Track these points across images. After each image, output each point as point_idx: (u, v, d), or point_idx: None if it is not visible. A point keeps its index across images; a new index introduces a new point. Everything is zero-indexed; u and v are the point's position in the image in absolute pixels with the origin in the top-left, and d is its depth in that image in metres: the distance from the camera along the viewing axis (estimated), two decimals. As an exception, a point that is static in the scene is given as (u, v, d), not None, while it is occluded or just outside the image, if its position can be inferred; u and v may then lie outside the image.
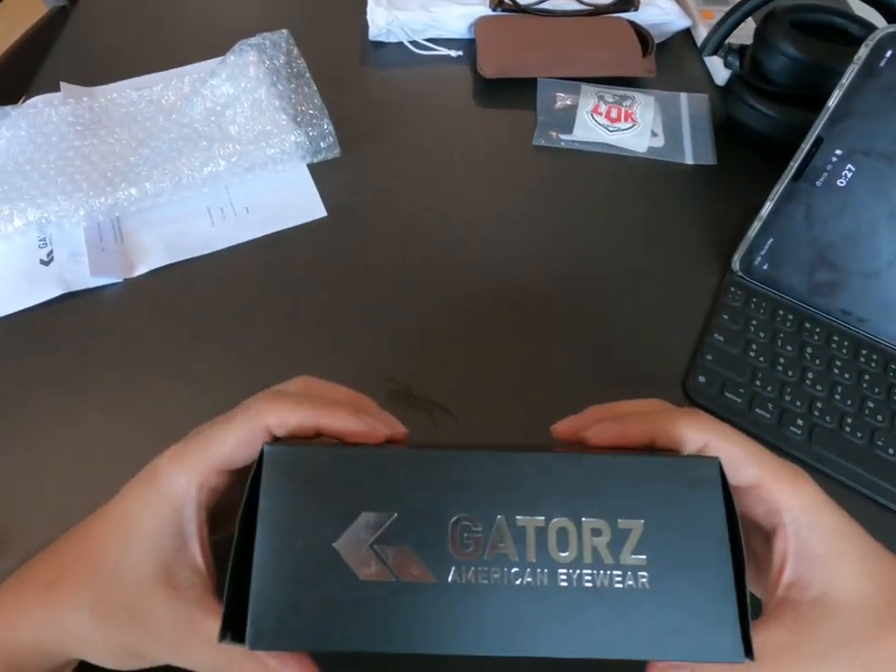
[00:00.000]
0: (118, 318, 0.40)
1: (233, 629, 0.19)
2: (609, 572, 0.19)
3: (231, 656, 0.20)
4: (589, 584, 0.19)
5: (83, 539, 0.22)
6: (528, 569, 0.19)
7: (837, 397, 0.38)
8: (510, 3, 0.57)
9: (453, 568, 0.19)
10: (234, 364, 0.38)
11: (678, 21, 0.58)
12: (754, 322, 0.41)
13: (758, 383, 0.38)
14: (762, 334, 0.41)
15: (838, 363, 0.39)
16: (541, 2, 0.57)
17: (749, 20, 0.50)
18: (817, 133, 0.39)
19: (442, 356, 0.39)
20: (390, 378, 0.38)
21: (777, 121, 0.48)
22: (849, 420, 0.37)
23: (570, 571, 0.19)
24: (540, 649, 0.19)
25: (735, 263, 0.43)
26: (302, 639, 0.19)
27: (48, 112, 0.46)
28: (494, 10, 0.57)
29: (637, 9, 0.57)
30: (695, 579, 0.19)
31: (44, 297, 0.39)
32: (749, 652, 0.19)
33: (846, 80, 0.38)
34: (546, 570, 0.19)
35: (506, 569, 0.19)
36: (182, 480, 0.21)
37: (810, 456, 0.36)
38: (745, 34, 0.53)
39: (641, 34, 0.56)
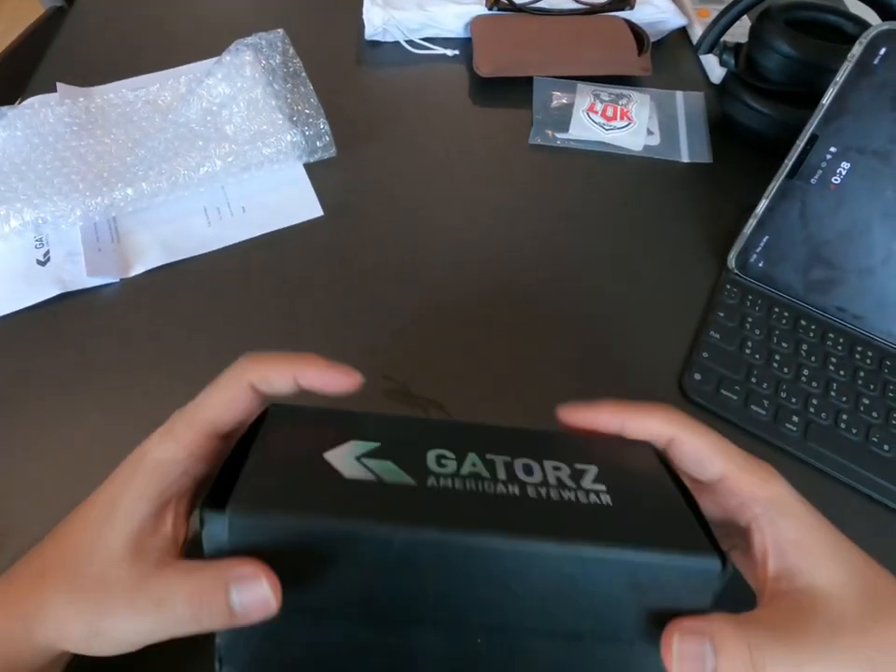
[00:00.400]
0: (115, 318, 0.40)
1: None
2: (573, 491, 0.21)
3: (170, 582, 0.20)
4: (556, 498, 0.20)
5: (68, 526, 0.23)
6: (500, 484, 0.21)
7: (833, 394, 0.38)
8: (506, 2, 0.57)
9: (431, 477, 0.20)
10: (230, 362, 0.38)
11: (673, 20, 0.58)
12: (750, 319, 0.41)
13: (753, 380, 0.39)
14: (757, 331, 0.41)
15: (833, 360, 0.40)
16: (537, 0, 0.57)
17: (745, 18, 0.50)
18: (811, 130, 0.39)
19: (439, 354, 0.39)
20: (387, 376, 0.38)
21: (772, 119, 0.48)
22: (845, 417, 0.37)
23: (539, 488, 0.21)
24: (510, 544, 0.19)
25: (731, 261, 0.43)
26: (279, 509, 0.19)
27: (44, 112, 0.46)
28: (490, 9, 0.57)
29: (632, 8, 0.57)
30: (652, 506, 0.21)
31: (41, 297, 0.39)
32: (722, 559, 0.19)
33: (840, 78, 0.38)
34: (516, 485, 0.21)
35: (479, 482, 0.21)
36: (171, 446, 0.22)
37: (806, 453, 0.36)
38: (740, 32, 0.53)
39: (637, 32, 0.56)
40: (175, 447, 0.22)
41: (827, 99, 0.39)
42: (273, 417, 0.22)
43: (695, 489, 0.23)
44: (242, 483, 0.19)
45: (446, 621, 0.20)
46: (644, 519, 0.20)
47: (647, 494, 0.22)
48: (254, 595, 0.18)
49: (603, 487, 0.21)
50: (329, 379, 0.22)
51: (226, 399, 0.22)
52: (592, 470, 0.22)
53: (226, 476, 0.20)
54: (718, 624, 0.19)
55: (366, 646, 0.20)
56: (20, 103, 0.49)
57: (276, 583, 0.18)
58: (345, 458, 0.21)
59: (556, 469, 0.21)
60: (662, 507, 0.21)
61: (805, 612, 0.20)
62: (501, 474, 0.21)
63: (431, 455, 0.21)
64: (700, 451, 0.23)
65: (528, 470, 0.21)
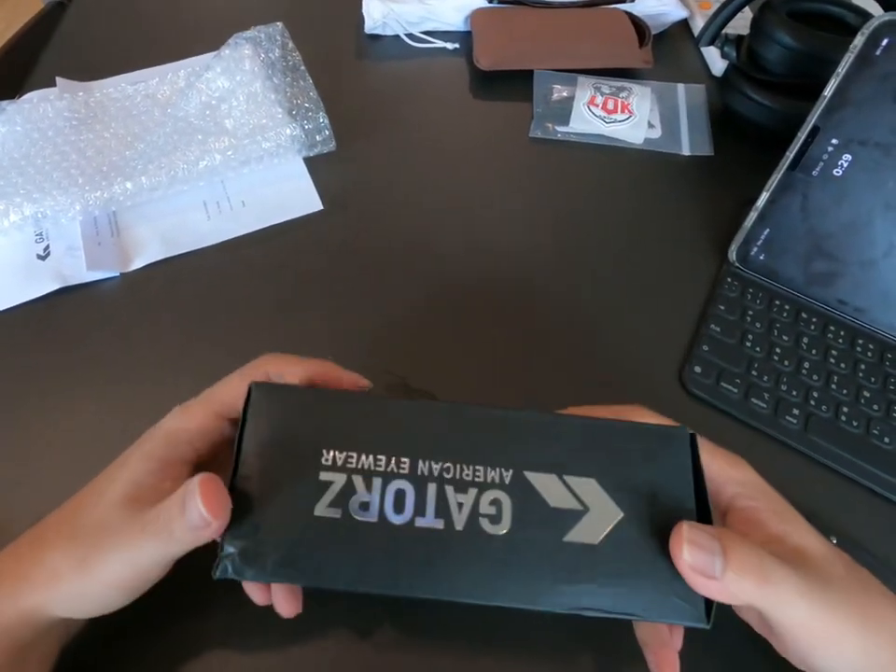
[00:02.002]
0: (115, 312, 0.40)
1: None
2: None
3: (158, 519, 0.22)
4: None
5: (76, 495, 0.24)
6: (465, 537, 0.21)
7: (833, 386, 0.38)
8: (506, -6, 0.57)
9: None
10: (232, 356, 0.38)
11: (674, 12, 0.58)
12: (750, 312, 0.41)
13: (754, 373, 0.38)
14: (758, 324, 0.40)
15: (834, 353, 0.39)
16: (538, -7, 0.57)
17: (746, 9, 0.49)
18: (813, 122, 0.39)
19: (439, 347, 0.39)
20: (387, 370, 0.38)
21: (773, 111, 0.47)
22: (845, 409, 0.37)
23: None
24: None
25: (732, 254, 0.43)
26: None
27: (43, 107, 0.46)
28: (490, 2, 0.57)
29: (633, 0, 0.57)
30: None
31: (41, 291, 0.39)
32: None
33: (841, 69, 0.38)
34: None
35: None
36: (183, 418, 0.24)
37: (806, 446, 0.36)
38: (742, 24, 0.53)
39: (638, 25, 0.56)
40: (186, 419, 0.24)
41: (829, 90, 0.38)
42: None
43: None
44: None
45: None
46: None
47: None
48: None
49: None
50: (344, 381, 0.25)
51: (240, 385, 0.24)
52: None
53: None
54: (730, 534, 0.21)
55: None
56: (19, 97, 0.49)
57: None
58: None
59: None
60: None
61: (801, 560, 0.21)
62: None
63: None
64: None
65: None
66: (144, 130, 0.46)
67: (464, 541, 0.21)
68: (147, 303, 0.40)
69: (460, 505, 0.21)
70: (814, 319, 0.41)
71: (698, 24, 0.59)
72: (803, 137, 0.40)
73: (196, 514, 0.20)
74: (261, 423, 0.23)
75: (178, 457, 0.24)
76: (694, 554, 0.20)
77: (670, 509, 0.22)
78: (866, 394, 0.38)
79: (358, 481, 0.22)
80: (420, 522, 0.21)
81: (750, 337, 0.40)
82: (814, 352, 0.39)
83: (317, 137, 0.47)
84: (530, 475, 0.22)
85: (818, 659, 0.21)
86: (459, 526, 0.21)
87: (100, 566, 0.22)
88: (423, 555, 0.21)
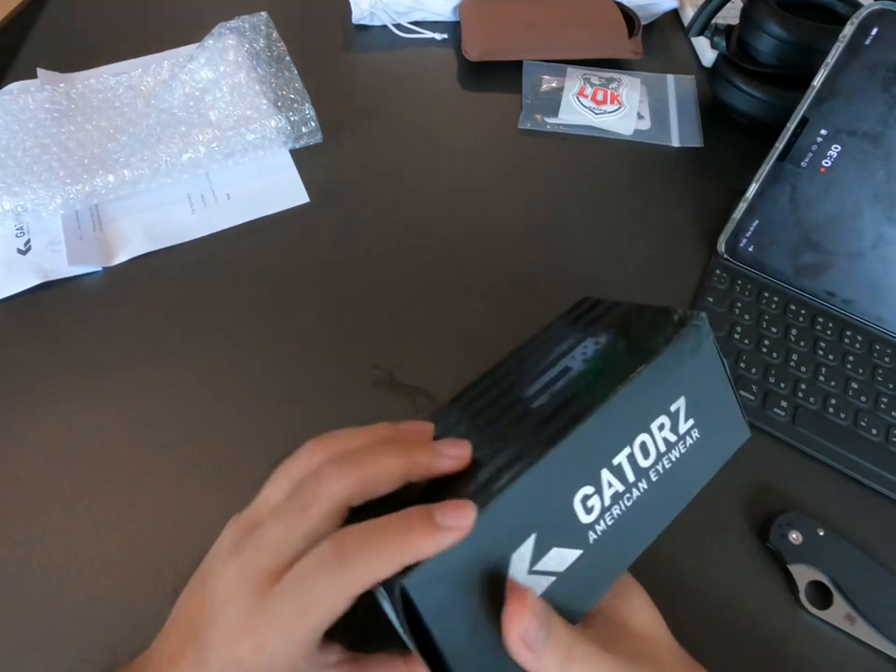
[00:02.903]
0: (97, 307, 0.39)
1: None
2: (676, 447, 0.24)
3: None
4: (669, 465, 0.24)
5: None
6: (634, 489, 0.23)
7: (821, 378, 0.38)
8: (494, -16, 0.56)
9: (589, 532, 0.22)
10: (216, 351, 0.38)
11: (664, 2, 0.58)
12: (739, 304, 0.41)
13: (742, 365, 0.38)
14: (746, 316, 0.40)
15: (823, 344, 0.39)
16: (527, -17, 0.56)
17: (737, 0, 0.49)
18: (802, 112, 0.39)
19: (426, 341, 0.39)
20: (374, 365, 0.37)
21: (763, 102, 0.47)
22: (833, 401, 0.37)
23: (657, 467, 0.23)
24: (662, 522, 0.23)
25: (721, 245, 0.43)
26: None
27: (24, 99, 0.45)
28: (478, -8, 0.56)
29: (623, -10, 0.56)
30: (717, 408, 0.25)
31: (22, 286, 0.39)
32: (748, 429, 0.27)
33: (831, 59, 0.38)
34: (643, 479, 0.23)
35: (621, 503, 0.22)
36: (291, 648, 0.20)
37: (794, 438, 0.36)
38: (732, 14, 0.52)
39: (628, 15, 0.55)
40: (293, 647, 0.20)
41: (818, 81, 0.38)
42: (428, 611, 0.19)
43: None
44: None
45: None
46: (715, 439, 0.25)
47: (714, 405, 0.25)
48: None
49: (692, 423, 0.24)
50: (442, 546, 0.19)
51: (334, 609, 0.20)
52: (682, 407, 0.24)
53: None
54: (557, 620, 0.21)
55: None
56: (-1, 89, 0.48)
57: None
58: (523, 580, 0.20)
59: (661, 428, 0.23)
60: (722, 411, 0.26)
61: (617, 636, 0.23)
62: (630, 476, 0.23)
63: (577, 504, 0.21)
64: None
65: (645, 452, 0.23)
66: (126, 122, 0.45)
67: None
68: (130, 298, 0.40)
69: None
70: (802, 311, 0.41)
71: (688, 14, 0.58)
72: (792, 128, 0.39)
73: None
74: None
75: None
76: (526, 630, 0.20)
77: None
78: (854, 385, 0.38)
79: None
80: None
81: (739, 329, 0.40)
82: (802, 344, 0.39)
83: (303, 129, 0.46)
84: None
85: None
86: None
87: None
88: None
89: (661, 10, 0.58)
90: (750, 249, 0.42)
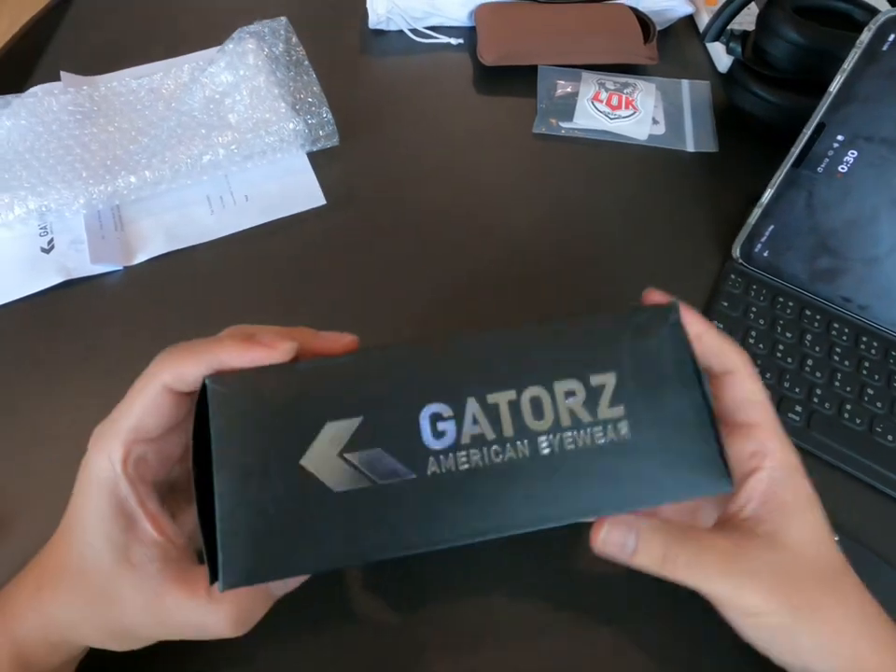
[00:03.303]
0: (118, 305, 0.40)
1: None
2: (588, 430, 0.19)
3: (207, 613, 0.21)
4: (571, 446, 0.19)
5: (54, 544, 0.23)
6: (507, 444, 0.18)
7: (837, 383, 0.38)
8: (510, -10, 0.56)
9: (430, 459, 0.18)
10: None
11: (680, 8, 0.58)
12: (754, 309, 0.41)
13: (757, 369, 0.38)
14: (761, 321, 0.40)
15: (838, 350, 0.39)
16: (542, -11, 0.57)
17: (752, 5, 0.49)
18: (818, 118, 0.39)
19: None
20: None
21: (779, 108, 0.47)
22: (849, 407, 0.37)
23: (550, 438, 0.19)
24: (531, 522, 0.18)
25: (736, 250, 0.43)
26: (282, 568, 0.18)
27: (48, 101, 0.46)
28: (494, -3, 0.57)
29: (638, -4, 0.57)
30: (672, 420, 0.20)
31: (45, 284, 0.39)
32: (731, 482, 0.20)
33: (847, 65, 0.38)
34: (525, 441, 0.18)
35: (485, 449, 0.18)
36: (104, 462, 0.21)
37: (809, 443, 0.36)
38: (748, 20, 0.53)
39: (643, 20, 0.56)
40: (108, 463, 0.21)
41: (835, 86, 0.38)
42: (217, 399, 0.19)
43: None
44: (226, 546, 0.18)
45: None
46: (661, 457, 0.19)
47: (666, 409, 0.19)
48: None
49: (621, 411, 0.19)
50: (253, 357, 0.20)
51: (143, 407, 0.21)
52: (609, 384, 0.19)
53: (204, 514, 0.18)
54: (647, 523, 0.22)
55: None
56: (24, 92, 0.49)
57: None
58: (326, 458, 0.18)
59: (570, 394, 0.19)
60: (681, 425, 0.19)
61: (752, 547, 0.22)
62: (507, 428, 0.18)
63: (425, 417, 0.18)
64: (750, 397, 0.24)
65: (538, 409, 0.19)
66: (148, 124, 0.46)
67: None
68: (150, 297, 0.40)
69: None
70: (818, 316, 0.41)
71: (703, 20, 0.59)
72: (808, 133, 0.39)
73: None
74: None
75: (139, 500, 0.21)
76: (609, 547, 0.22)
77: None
78: (870, 391, 0.38)
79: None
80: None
81: (753, 334, 0.40)
82: (817, 349, 0.39)
83: (321, 132, 0.47)
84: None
85: (763, 642, 0.23)
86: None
87: (131, 636, 0.22)
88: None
89: (676, 16, 0.59)
90: (766, 254, 0.42)
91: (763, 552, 0.22)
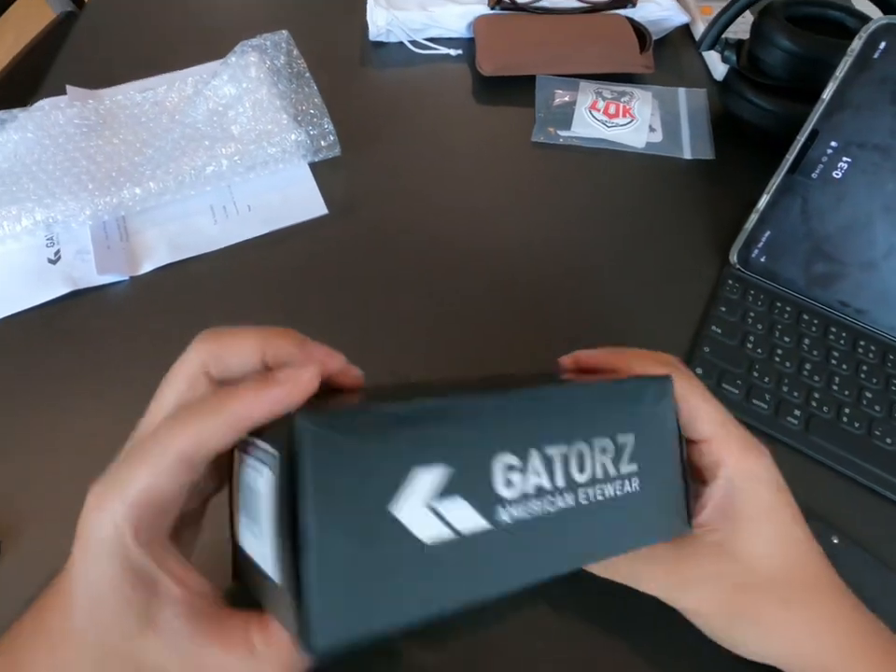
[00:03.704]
0: (124, 315, 0.40)
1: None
2: (612, 485, 0.22)
3: (251, 667, 0.19)
4: (601, 498, 0.22)
5: (57, 606, 0.20)
6: (559, 496, 0.21)
7: (835, 387, 0.38)
8: (508, 1, 0.57)
9: (501, 509, 0.19)
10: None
11: (676, 17, 0.59)
12: (752, 314, 0.41)
13: (755, 374, 0.39)
14: (759, 326, 0.41)
15: (836, 354, 0.40)
16: (540, 0, 0.58)
17: (747, 14, 0.50)
18: (812, 125, 0.40)
19: (443, 349, 0.40)
20: (393, 372, 0.38)
21: (774, 115, 0.48)
22: (847, 410, 0.37)
23: (587, 490, 0.21)
24: (576, 561, 0.21)
25: (733, 256, 0.43)
26: (376, 625, 0.17)
27: (54, 114, 0.47)
28: (492, 9, 0.57)
29: (634, 6, 0.58)
30: (661, 476, 0.24)
31: (51, 295, 0.40)
32: (691, 525, 0.24)
33: (840, 73, 0.38)
34: (572, 493, 0.21)
35: (544, 502, 0.20)
36: (107, 526, 0.19)
37: (807, 446, 0.36)
38: (742, 28, 0.53)
39: (639, 30, 0.56)
40: (112, 529, 0.18)
41: (827, 94, 0.39)
42: (308, 443, 0.17)
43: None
44: (317, 595, 0.16)
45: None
46: (653, 507, 0.23)
47: (662, 467, 0.24)
48: None
49: (636, 468, 0.23)
50: (273, 404, 0.19)
51: (154, 474, 0.19)
52: (630, 443, 0.23)
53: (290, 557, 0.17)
54: None
55: None
56: (30, 105, 0.50)
57: None
58: (413, 507, 0.17)
59: (603, 451, 0.22)
60: (666, 482, 0.24)
61: (696, 557, 0.24)
62: (559, 480, 0.20)
63: (497, 469, 0.19)
64: (695, 413, 0.25)
65: (581, 464, 0.21)
66: (152, 136, 0.47)
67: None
68: (155, 306, 0.41)
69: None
70: (815, 321, 0.41)
71: (699, 29, 0.59)
72: (802, 140, 0.40)
73: None
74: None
75: (158, 562, 0.19)
76: None
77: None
78: (868, 395, 0.38)
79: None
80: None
81: (751, 338, 0.40)
82: (815, 353, 0.40)
83: (322, 143, 0.47)
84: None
85: (710, 636, 0.25)
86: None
87: None
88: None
89: (672, 25, 0.59)
90: (763, 260, 0.43)
91: (705, 560, 0.24)
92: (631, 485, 0.22)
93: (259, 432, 0.20)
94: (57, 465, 0.34)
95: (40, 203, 0.42)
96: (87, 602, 0.19)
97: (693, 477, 0.26)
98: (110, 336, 0.39)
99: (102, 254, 0.42)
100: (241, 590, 0.22)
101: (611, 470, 0.22)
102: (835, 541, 0.32)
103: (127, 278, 0.42)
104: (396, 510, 0.17)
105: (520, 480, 0.20)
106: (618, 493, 0.22)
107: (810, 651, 0.24)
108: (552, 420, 0.21)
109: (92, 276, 0.41)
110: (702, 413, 0.25)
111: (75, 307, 0.40)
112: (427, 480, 0.18)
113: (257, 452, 0.20)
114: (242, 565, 0.22)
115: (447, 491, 0.18)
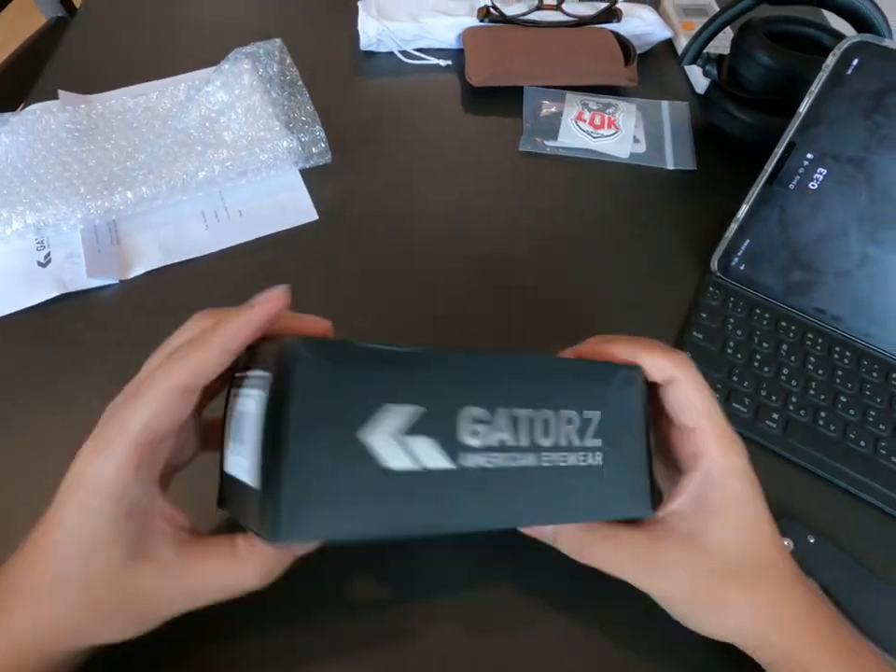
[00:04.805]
0: (113, 318, 0.40)
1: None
2: (575, 455, 0.23)
3: (239, 572, 0.22)
4: (563, 464, 0.23)
5: (33, 560, 0.22)
6: (521, 454, 0.22)
7: (811, 392, 0.39)
8: (497, 14, 0.59)
9: (465, 455, 0.21)
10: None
11: (659, 32, 0.60)
12: (732, 321, 0.42)
13: (735, 378, 0.40)
14: (739, 332, 0.42)
15: (813, 359, 0.41)
16: (527, 13, 0.59)
17: (728, 30, 0.51)
18: (789, 138, 0.41)
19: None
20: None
21: (753, 127, 0.49)
22: (823, 414, 0.39)
23: (550, 454, 0.23)
24: (531, 518, 0.23)
25: (714, 264, 0.45)
26: (329, 528, 0.19)
27: (46, 119, 0.47)
28: (481, 21, 0.59)
29: (619, 20, 0.59)
30: (627, 457, 0.25)
31: (41, 298, 0.40)
32: (654, 509, 0.25)
33: (815, 88, 0.40)
34: (533, 453, 0.22)
35: (506, 455, 0.22)
36: (108, 468, 0.21)
37: (785, 449, 0.37)
38: (723, 44, 0.55)
39: (624, 44, 0.58)
40: (114, 467, 0.21)
41: (803, 108, 0.40)
42: (298, 366, 0.19)
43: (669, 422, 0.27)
44: (285, 496, 0.19)
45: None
46: (614, 483, 0.24)
47: (626, 444, 0.25)
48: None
49: (599, 443, 0.24)
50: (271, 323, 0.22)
51: (155, 413, 0.21)
52: (596, 419, 0.24)
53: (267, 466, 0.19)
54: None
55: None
56: (22, 109, 0.50)
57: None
58: (382, 437, 0.20)
59: (569, 422, 0.23)
60: (630, 461, 0.25)
61: (667, 543, 0.25)
62: (523, 439, 0.22)
63: (464, 417, 0.21)
64: (688, 402, 0.26)
65: (546, 429, 0.23)
66: (144, 141, 0.47)
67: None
68: (145, 310, 0.41)
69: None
70: (793, 327, 0.42)
71: (682, 44, 0.61)
72: (779, 152, 0.41)
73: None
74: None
75: (151, 498, 0.22)
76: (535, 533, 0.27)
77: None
78: (843, 399, 0.39)
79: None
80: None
81: (731, 344, 0.41)
82: (793, 359, 0.41)
83: (313, 150, 0.48)
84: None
85: (678, 619, 0.26)
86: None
87: (158, 620, 0.22)
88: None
89: (656, 40, 0.61)
90: (742, 268, 0.44)
91: (676, 548, 0.25)
92: (594, 458, 0.24)
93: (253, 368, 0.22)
94: (46, 468, 0.34)
95: (31, 206, 0.42)
96: (69, 544, 0.21)
97: (673, 464, 0.27)
98: (99, 339, 0.39)
99: (92, 257, 0.42)
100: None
101: (575, 441, 0.23)
102: (811, 540, 0.33)
103: (117, 282, 0.42)
104: (365, 435, 0.20)
105: (485, 432, 0.21)
106: (580, 463, 0.23)
107: (774, 637, 0.25)
108: (523, 384, 0.23)
109: (83, 280, 0.41)
110: (694, 403, 0.26)
111: (64, 310, 0.40)
112: (397, 415, 0.20)
113: (250, 381, 0.22)
114: (227, 491, 0.24)
115: (415, 429, 0.20)
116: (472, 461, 0.21)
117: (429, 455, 0.20)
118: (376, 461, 0.20)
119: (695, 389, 0.26)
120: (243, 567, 0.22)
